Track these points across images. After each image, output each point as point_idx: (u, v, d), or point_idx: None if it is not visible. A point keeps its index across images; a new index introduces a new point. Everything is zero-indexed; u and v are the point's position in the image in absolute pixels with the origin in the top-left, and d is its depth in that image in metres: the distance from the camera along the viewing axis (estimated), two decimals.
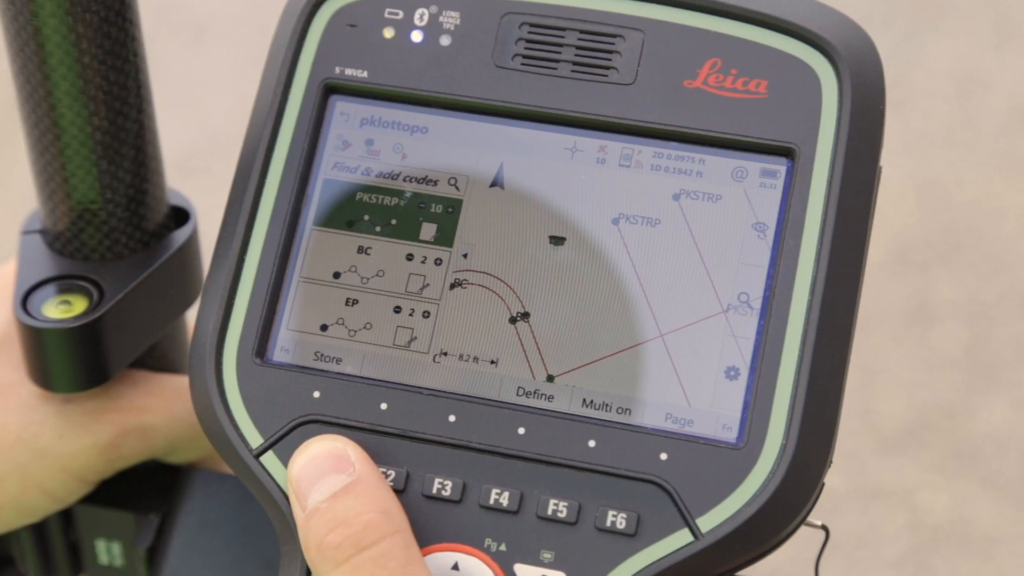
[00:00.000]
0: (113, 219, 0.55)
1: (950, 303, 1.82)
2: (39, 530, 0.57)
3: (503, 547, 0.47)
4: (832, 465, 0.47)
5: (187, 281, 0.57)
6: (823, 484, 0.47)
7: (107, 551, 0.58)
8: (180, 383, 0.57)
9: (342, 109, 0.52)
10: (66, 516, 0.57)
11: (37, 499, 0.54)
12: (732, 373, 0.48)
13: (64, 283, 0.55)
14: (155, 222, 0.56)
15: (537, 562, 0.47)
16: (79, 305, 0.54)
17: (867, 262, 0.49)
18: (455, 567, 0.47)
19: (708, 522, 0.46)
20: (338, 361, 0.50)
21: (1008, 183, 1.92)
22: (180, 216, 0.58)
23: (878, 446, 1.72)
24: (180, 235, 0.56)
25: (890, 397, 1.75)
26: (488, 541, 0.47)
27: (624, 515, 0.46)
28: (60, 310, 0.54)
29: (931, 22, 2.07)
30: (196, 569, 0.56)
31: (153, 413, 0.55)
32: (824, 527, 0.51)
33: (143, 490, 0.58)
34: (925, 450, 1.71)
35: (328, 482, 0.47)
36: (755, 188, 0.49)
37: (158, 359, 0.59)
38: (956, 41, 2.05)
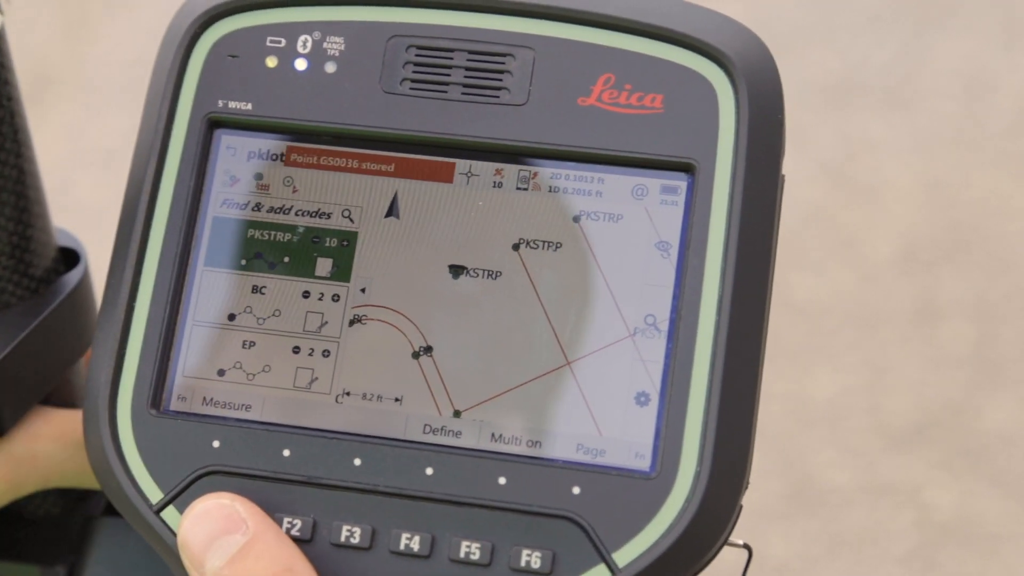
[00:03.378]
0: None
1: (957, 301, 1.83)
2: None
3: None
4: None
5: (81, 325, 0.54)
6: (741, 507, 0.46)
7: None
8: (73, 415, 0.54)
9: (228, 143, 0.50)
10: None
11: None
12: (642, 399, 0.47)
13: None
14: (42, 267, 0.53)
15: None
16: None
17: (774, 272, 0.48)
18: None
19: (625, 556, 0.45)
20: (237, 407, 0.48)
21: (1016, 182, 1.93)
22: (70, 257, 0.55)
23: (885, 443, 1.73)
24: (70, 279, 0.54)
25: (897, 395, 1.77)
26: None
27: (539, 554, 0.45)
28: None
29: (939, 21, 2.08)
30: None
31: (44, 440, 0.53)
32: (746, 546, 0.49)
33: (49, 541, 0.56)
34: (932, 447, 1.72)
35: (222, 545, 0.45)
36: (656, 206, 0.48)
37: (55, 402, 0.56)
38: (964, 40, 2.06)
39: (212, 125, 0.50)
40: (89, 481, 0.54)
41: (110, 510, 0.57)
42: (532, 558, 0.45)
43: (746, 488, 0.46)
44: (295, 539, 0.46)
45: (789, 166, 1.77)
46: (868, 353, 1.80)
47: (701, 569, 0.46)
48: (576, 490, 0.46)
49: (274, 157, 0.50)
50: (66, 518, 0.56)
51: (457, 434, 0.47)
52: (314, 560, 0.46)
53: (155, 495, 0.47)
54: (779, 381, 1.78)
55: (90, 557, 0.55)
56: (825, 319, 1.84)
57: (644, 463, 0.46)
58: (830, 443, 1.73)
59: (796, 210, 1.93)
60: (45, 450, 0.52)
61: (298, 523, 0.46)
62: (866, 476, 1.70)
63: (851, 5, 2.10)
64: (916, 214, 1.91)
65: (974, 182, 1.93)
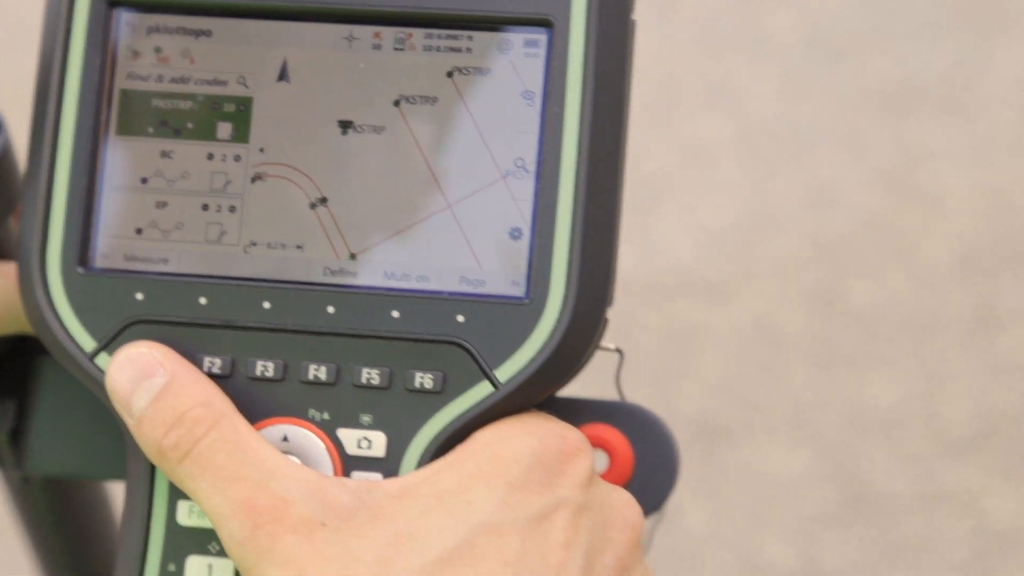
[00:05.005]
0: None
1: (1017, 310, 1.82)
2: None
3: (326, 415, 0.51)
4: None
5: (7, 186, 0.57)
6: (606, 320, 0.51)
7: None
8: (13, 266, 0.58)
9: (127, 20, 0.53)
10: None
11: None
12: (516, 234, 0.51)
13: None
14: None
15: (358, 425, 0.51)
16: None
17: (629, 114, 0.52)
18: (285, 438, 0.51)
19: (505, 372, 0.50)
20: (156, 262, 0.53)
21: None
22: None
23: (944, 451, 1.72)
24: None
25: (957, 402, 1.76)
26: (312, 412, 0.51)
27: (430, 376, 0.50)
28: None
29: (999, 28, 2.06)
30: (56, 446, 0.59)
31: (3, 291, 0.57)
32: (618, 350, 0.55)
33: (0, 377, 0.60)
34: (991, 456, 1.71)
35: (144, 388, 0.50)
36: (520, 59, 0.52)
37: None
38: None
39: (111, 5, 0.53)
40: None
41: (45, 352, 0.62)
42: (425, 379, 0.50)
43: (610, 305, 0.51)
44: (216, 376, 0.51)
45: (848, 173, 1.76)
46: (926, 361, 1.80)
47: (572, 377, 0.51)
48: (460, 318, 0.51)
49: (170, 31, 0.53)
50: (8, 359, 0.60)
51: (354, 275, 0.52)
52: (234, 394, 0.51)
53: (88, 344, 0.52)
54: (836, 388, 1.77)
55: (36, 392, 0.60)
56: (883, 326, 1.83)
57: (519, 290, 0.51)
58: (887, 450, 1.72)
59: (853, 216, 1.92)
60: (3, 297, 0.56)
61: (218, 362, 0.51)
62: (924, 484, 1.69)
63: (910, 12, 2.09)
64: (975, 221, 1.90)
65: None
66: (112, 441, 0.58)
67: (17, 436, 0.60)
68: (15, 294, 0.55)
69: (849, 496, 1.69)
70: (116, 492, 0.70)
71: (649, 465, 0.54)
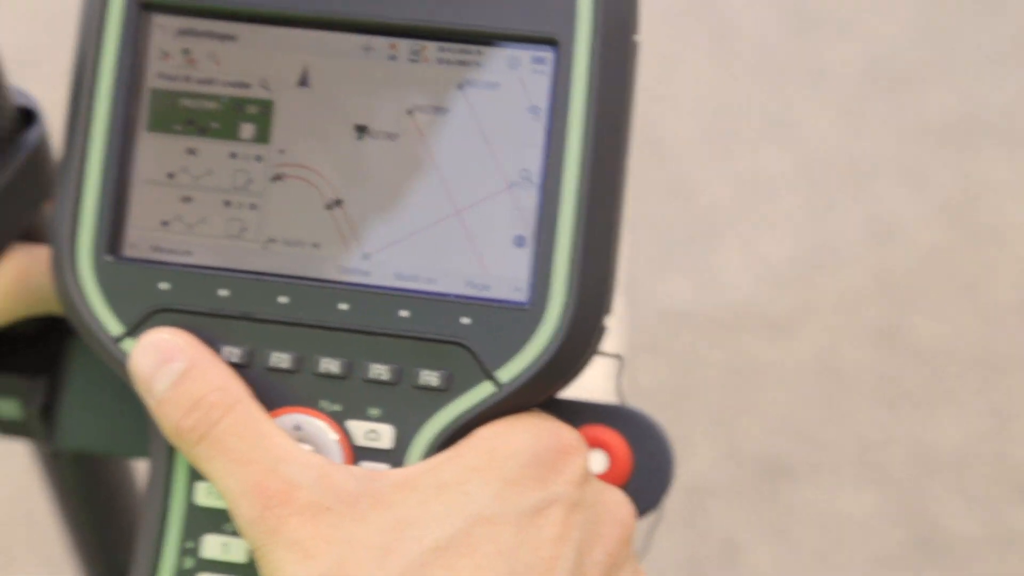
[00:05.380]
0: None
1: None
2: None
3: (337, 407, 0.53)
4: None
5: (43, 174, 0.61)
6: (604, 328, 0.54)
7: (6, 407, 0.64)
8: (43, 250, 0.61)
9: (159, 23, 0.56)
10: None
11: None
12: (519, 241, 0.54)
13: None
14: (5, 128, 0.59)
15: (366, 417, 0.53)
16: None
17: (631, 131, 0.55)
18: (298, 427, 0.53)
19: (506, 373, 0.53)
20: (180, 253, 0.55)
21: None
22: (28, 115, 0.61)
23: (1014, 492, 1.68)
24: (32, 136, 0.60)
25: None
26: (323, 403, 0.54)
27: (436, 374, 0.53)
28: None
29: None
30: (85, 422, 0.63)
31: (32, 273, 0.60)
32: (618, 355, 0.57)
33: (30, 358, 0.64)
34: None
35: (165, 372, 0.52)
36: (528, 75, 0.54)
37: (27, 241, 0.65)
38: None
39: (144, 7, 0.56)
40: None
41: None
42: (431, 377, 0.53)
43: (608, 313, 0.54)
44: (234, 365, 0.54)
45: (908, 206, 1.74)
46: (994, 399, 1.76)
47: (571, 380, 0.54)
48: (465, 320, 0.53)
49: (198, 34, 0.56)
50: (42, 338, 0.64)
51: (366, 274, 0.54)
52: (250, 383, 0.53)
53: (115, 329, 0.54)
54: (903, 427, 1.74)
55: (68, 369, 0.63)
56: (949, 364, 1.79)
57: (521, 296, 0.53)
58: (956, 491, 1.69)
59: (915, 250, 1.89)
60: (33, 281, 0.60)
61: (236, 351, 0.54)
62: (994, 526, 1.65)
63: (970, 43, 2.06)
64: None
65: None
66: (137, 420, 0.61)
67: (48, 412, 0.63)
68: (44, 276, 0.59)
69: (917, 538, 1.65)
70: (140, 471, 0.74)
71: (646, 467, 0.55)
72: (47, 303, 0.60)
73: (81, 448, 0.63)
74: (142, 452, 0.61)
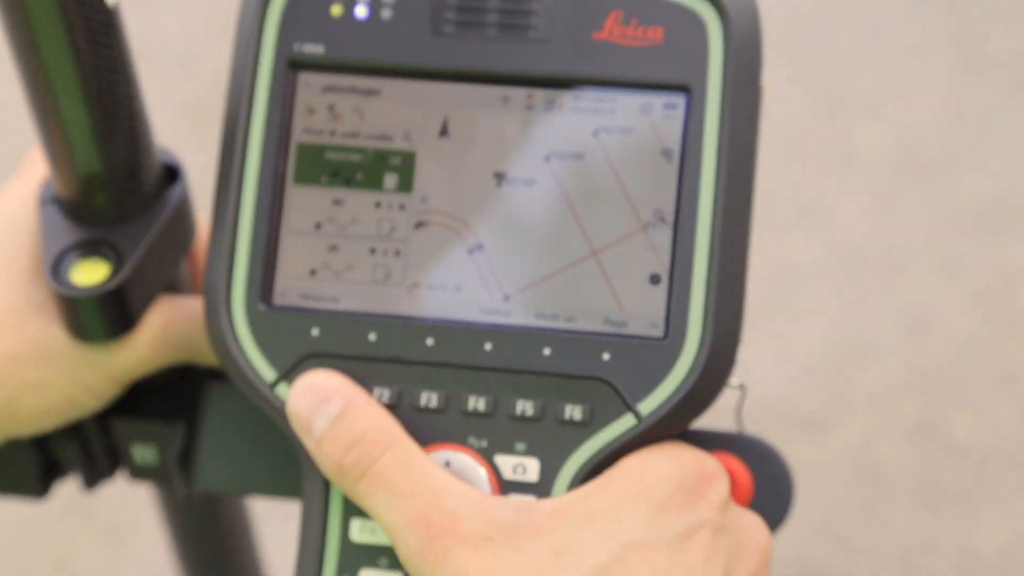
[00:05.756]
0: (117, 186, 0.61)
1: None
2: (82, 438, 0.67)
3: (484, 443, 0.55)
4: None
5: (185, 229, 0.64)
6: (736, 360, 0.56)
7: (142, 454, 0.67)
8: (194, 300, 0.64)
9: (305, 80, 0.59)
10: (103, 427, 0.66)
11: (85, 399, 0.63)
12: (655, 279, 0.56)
13: (84, 248, 0.62)
14: (152, 184, 0.63)
15: (513, 452, 0.55)
16: (101, 268, 0.61)
17: (757, 170, 0.57)
18: (447, 463, 0.55)
19: (647, 406, 0.55)
20: (328, 300, 0.57)
21: None
22: (171, 172, 0.65)
23: None
24: (175, 192, 0.63)
25: None
26: (471, 439, 0.55)
27: (579, 408, 0.55)
28: (85, 273, 0.61)
29: None
30: (223, 467, 0.66)
31: (178, 324, 0.63)
32: (741, 386, 0.59)
33: (171, 402, 0.67)
34: None
35: (323, 412, 0.54)
36: (660, 120, 0.56)
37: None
38: None
39: (292, 66, 0.58)
40: (210, 356, 0.63)
41: (213, 376, 0.67)
42: (574, 412, 0.55)
43: (739, 344, 0.56)
44: (385, 406, 0.56)
45: (943, 296, 1.68)
46: None
47: (706, 410, 0.55)
48: (606, 356, 0.55)
49: (343, 91, 0.58)
50: (177, 386, 0.67)
51: (508, 314, 0.56)
52: (400, 422, 0.55)
53: (269, 375, 0.57)
54: (944, 529, 1.68)
55: (206, 414, 0.66)
56: (990, 461, 1.74)
57: (658, 331, 0.55)
58: None
59: (951, 342, 1.83)
60: (178, 331, 0.63)
61: (386, 392, 0.56)
62: None
63: (1002, 127, 2.01)
64: None
65: None
66: (274, 461, 0.64)
67: (185, 457, 0.66)
68: (188, 326, 0.63)
69: None
70: (258, 513, 0.80)
71: (767, 492, 0.57)
72: (190, 352, 0.63)
73: (219, 491, 0.66)
74: (276, 492, 0.65)
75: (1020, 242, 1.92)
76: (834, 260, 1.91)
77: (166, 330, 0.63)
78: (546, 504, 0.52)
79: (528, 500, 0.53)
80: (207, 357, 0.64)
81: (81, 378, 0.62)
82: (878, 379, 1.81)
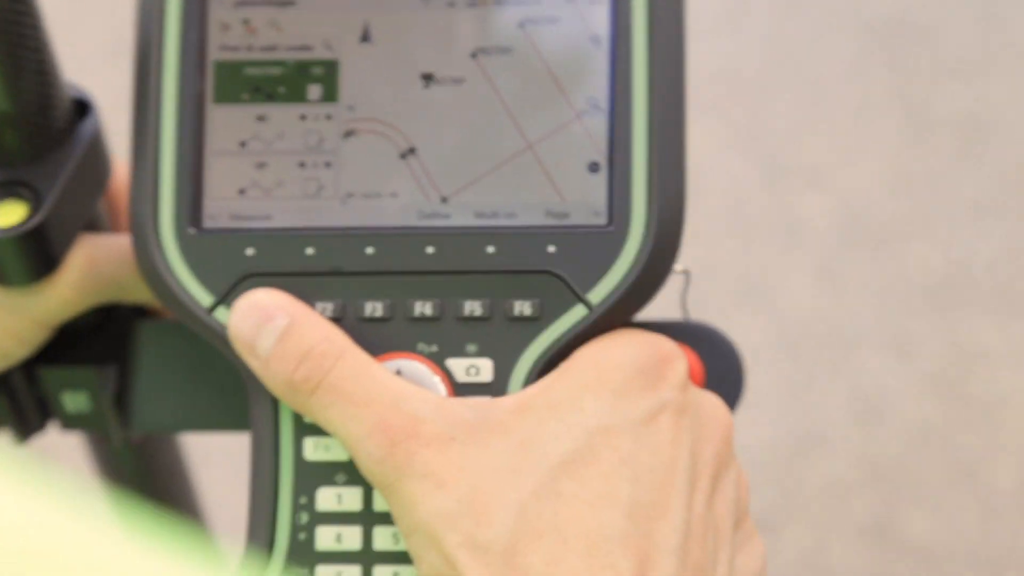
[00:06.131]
0: (28, 124, 0.60)
1: None
2: (9, 391, 0.65)
3: (434, 348, 0.55)
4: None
5: (101, 164, 0.63)
6: (681, 241, 0.56)
7: (74, 402, 0.65)
8: (116, 237, 0.63)
9: None
10: (30, 377, 0.65)
11: (11, 346, 0.62)
12: (594, 167, 0.55)
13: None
14: (63, 120, 0.61)
15: (464, 354, 0.55)
16: (18, 209, 0.60)
17: (687, 52, 0.56)
18: (399, 372, 0.54)
19: (597, 295, 0.54)
20: (260, 219, 0.57)
21: None
22: (82, 107, 0.63)
23: None
24: (88, 126, 0.62)
25: None
26: (421, 345, 0.55)
27: (529, 303, 0.54)
28: (1, 216, 0.60)
29: None
30: (160, 405, 0.64)
31: (101, 261, 0.62)
32: (685, 271, 0.60)
33: (99, 345, 0.65)
34: None
35: (268, 330, 0.54)
36: (587, 7, 0.56)
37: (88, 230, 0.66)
38: None
39: None
40: (137, 293, 0.62)
41: (140, 315, 0.67)
42: (524, 307, 0.54)
43: (683, 228, 0.55)
44: (330, 319, 0.55)
45: (895, 379, 1.56)
46: None
47: (654, 295, 0.55)
48: (551, 248, 0.55)
49: (258, 3, 0.58)
50: (105, 326, 0.65)
51: (447, 216, 0.56)
52: (348, 332, 0.55)
53: (206, 300, 0.56)
54: None
55: (137, 355, 0.65)
56: (947, 562, 1.64)
57: (602, 219, 0.55)
58: None
59: (905, 431, 1.73)
60: (102, 269, 0.61)
61: (329, 306, 0.55)
62: None
63: (949, 195, 1.92)
64: None
65: None
66: (212, 394, 0.63)
67: (120, 398, 0.65)
68: (112, 263, 0.61)
69: None
70: (191, 452, 0.79)
71: (718, 377, 0.57)
72: (116, 290, 0.62)
73: (158, 429, 0.65)
74: (217, 425, 0.64)
75: (972, 319, 1.82)
76: (780, 341, 1.81)
77: (90, 268, 0.61)
78: (507, 400, 0.53)
79: (488, 399, 0.53)
80: (134, 294, 0.63)
81: (5, 325, 0.62)
82: (828, 473, 1.71)
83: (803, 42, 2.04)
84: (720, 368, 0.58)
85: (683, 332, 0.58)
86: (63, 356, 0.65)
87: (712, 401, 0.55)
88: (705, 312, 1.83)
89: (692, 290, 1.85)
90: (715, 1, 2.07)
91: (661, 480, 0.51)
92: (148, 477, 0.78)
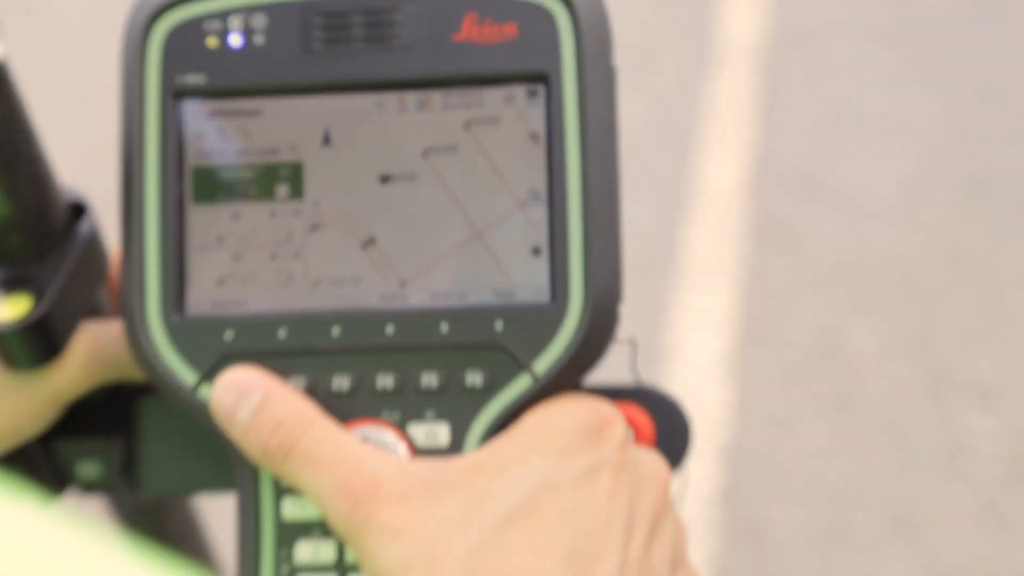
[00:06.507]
0: (29, 227, 0.67)
1: None
2: (29, 462, 0.72)
3: (396, 415, 0.60)
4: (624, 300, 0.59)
5: (98, 258, 0.69)
6: (619, 316, 0.60)
7: (86, 470, 0.72)
8: (116, 325, 0.69)
9: (191, 108, 0.64)
10: (47, 450, 0.72)
11: (26, 424, 0.68)
12: (536, 251, 0.61)
13: (6, 285, 0.67)
14: (61, 221, 0.68)
15: (424, 419, 0.60)
16: (23, 301, 0.66)
17: (619, 145, 0.61)
18: (365, 437, 0.60)
19: (541, 365, 0.60)
20: (238, 305, 0.62)
21: None
22: (78, 209, 0.69)
23: None
24: (84, 226, 0.68)
25: None
26: (384, 413, 0.61)
27: (479, 374, 0.60)
28: (9, 308, 0.66)
29: None
30: (163, 471, 0.71)
31: (103, 346, 0.68)
32: (631, 340, 0.64)
33: (107, 419, 0.72)
34: None
35: (245, 404, 0.59)
36: (524, 108, 0.62)
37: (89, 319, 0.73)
38: None
39: (177, 96, 0.64)
40: (137, 372, 0.68)
41: (143, 392, 0.72)
42: (475, 378, 0.60)
43: (621, 302, 0.61)
44: (300, 392, 0.61)
45: None
46: None
47: (596, 363, 0.61)
48: (499, 325, 0.61)
49: (229, 114, 0.64)
50: (111, 404, 0.72)
51: (405, 298, 0.62)
52: (318, 404, 0.60)
53: (190, 379, 0.62)
54: None
55: (141, 427, 0.71)
56: None
57: (544, 297, 0.61)
58: None
59: None
60: (105, 352, 0.68)
61: (302, 380, 0.61)
62: None
63: None
64: None
65: None
66: (210, 459, 0.70)
67: (128, 467, 0.71)
68: (112, 347, 0.67)
69: None
70: (207, 512, 0.86)
71: (667, 434, 0.63)
72: (118, 370, 0.67)
73: (163, 492, 0.71)
74: (214, 486, 0.70)
75: None
76: None
77: (93, 352, 0.68)
78: (460, 460, 0.57)
79: (443, 460, 0.58)
80: (134, 373, 0.68)
81: (19, 405, 0.68)
82: None
83: (986, 241, 1.87)
84: (669, 428, 0.63)
85: (637, 395, 0.64)
86: (75, 429, 0.72)
87: (651, 458, 0.60)
88: (850, 548, 1.68)
89: (837, 512, 1.70)
90: (891, 186, 1.91)
91: (599, 530, 0.56)
92: (163, 534, 0.86)
